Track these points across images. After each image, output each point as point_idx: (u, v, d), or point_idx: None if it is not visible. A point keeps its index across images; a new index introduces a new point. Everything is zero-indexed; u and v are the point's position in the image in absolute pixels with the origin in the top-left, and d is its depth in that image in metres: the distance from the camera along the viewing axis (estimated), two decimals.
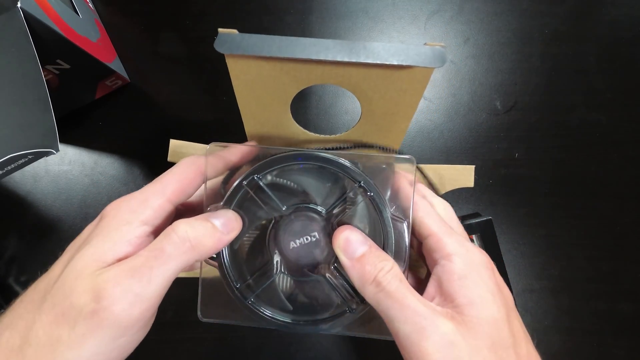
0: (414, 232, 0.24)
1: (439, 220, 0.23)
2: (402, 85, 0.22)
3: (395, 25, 0.44)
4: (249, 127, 0.27)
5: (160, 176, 0.23)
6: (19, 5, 0.26)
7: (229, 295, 0.24)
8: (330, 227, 0.24)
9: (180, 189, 0.23)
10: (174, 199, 0.23)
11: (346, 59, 0.20)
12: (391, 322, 0.20)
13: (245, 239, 0.25)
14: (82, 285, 0.18)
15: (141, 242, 0.21)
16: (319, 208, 0.24)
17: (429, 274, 0.23)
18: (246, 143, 0.27)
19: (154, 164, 0.41)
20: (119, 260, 0.20)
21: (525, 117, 0.42)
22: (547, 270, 0.40)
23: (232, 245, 0.24)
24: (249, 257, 0.25)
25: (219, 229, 0.22)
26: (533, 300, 0.39)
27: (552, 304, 0.39)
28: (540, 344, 0.22)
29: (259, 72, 0.22)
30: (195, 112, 0.42)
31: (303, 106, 0.42)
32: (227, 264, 0.24)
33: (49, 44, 0.30)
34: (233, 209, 0.24)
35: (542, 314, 0.39)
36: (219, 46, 0.21)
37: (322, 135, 0.27)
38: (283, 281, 0.25)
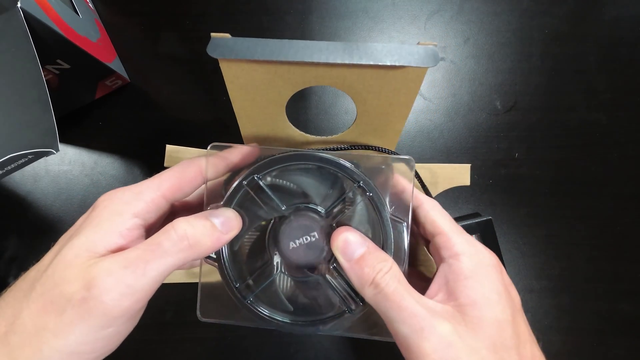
0: (423, 230, 0.24)
1: (448, 219, 0.24)
2: (396, 85, 0.22)
3: (395, 25, 0.44)
4: (245, 129, 0.27)
5: (160, 173, 0.24)
6: (19, 5, 0.26)
7: (229, 295, 0.24)
8: (330, 227, 0.24)
9: (176, 186, 0.23)
10: (169, 196, 0.23)
11: (339, 61, 0.20)
12: (390, 322, 0.20)
13: (245, 239, 0.25)
14: (72, 274, 0.18)
15: (132, 235, 0.21)
16: (319, 208, 0.24)
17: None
18: (247, 144, 0.27)
19: (154, 164, 0.41)
20: (110, 251, 0.20)
21: (525, 117, 0.42)
22: (547, 270, 0.40)
23: (232, 245, 0.24)
24: (248, 257, 0.25)
25: (217, 228, 0.22)
26: (533, 300, 0.39)
27: (552, 304, 0.39)
28: (540, 344, 0.22)
29: (253, 76, 0.22)
30: (195, 112, 0.42)
31: (303, 106, 0.42)
32: (226, 264, 0.24)
33: (49, 44, 0.30)
34: (233, 209, 0.24)
35: (542, 314, 0.39)
36: (211, 51, 0.21)
37: (318, 137, 0.27)
38: (283, 281, 0.25)
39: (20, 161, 0.27)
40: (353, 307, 0.24)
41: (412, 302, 0.20)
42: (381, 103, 0.24)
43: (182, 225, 0.20)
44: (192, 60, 0.43)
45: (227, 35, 0.21)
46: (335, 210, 0.24)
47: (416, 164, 0.28)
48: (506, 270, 0.23)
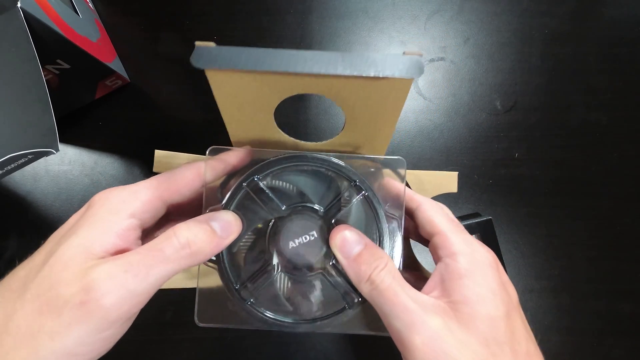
0: (422, 231, 0.25)
1: (446, 218, 0.24)
2: (383, 93, 0.22)
3: (395, 25, 0.44)
4: (234, 136, 0.28)
5: (157, 175, 0.24)
6: (19, 5, 0.26)
7: (227, 299, 0.24)
8: (328, 226, 0.24)
9: (174, 188, 0.23)
10: (166, 197, 0.23)
11: (323, 71, 0.20)
12: (385, 317, 0.21)
13: (244, 240, 0.25)
14: (69, 276, 0.18)
15: (129, 235, 0.21)
16: (317, 206, 0.25)
17: None
18: (244, 147, 0.27)
19: (153, 164, 0.41)
20: (107, 251, 0.20)
21: (525, 117, 0.42)
22: (547, 270, 0.40)
23: (232, 247, 0.24)
24: (248, 258, 0.25)
25: (217, 234, 0.22)
26: (533, 300, 0.39)
27: (552, 304, 0.39)
28: (540, 344, 0.22)
29: (240, 84, 0.22)
30: (195, 112, 0.42)
31: (303, 106, 0.42)
32: (226, 266, 0.24)
33: (49, 44, 0.30)
34: (233, 210, 0.24)
35: (542, 314, 0.39)
36: (195, 61, 0.20)
37: (308, 142, 0.28)
38: (282, 281, 0.25)
39: (20, 161, 0.27)
40: (352, 303, 0.24)
41: (405, 298, 0.20)
42: (369, 111, 0.24)
43: (184, 232, 0.20)
44: None
45: (212, 43, 0.21)
46: (333, 209, 0.25)
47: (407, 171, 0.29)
48: (506, 270, 0.23)
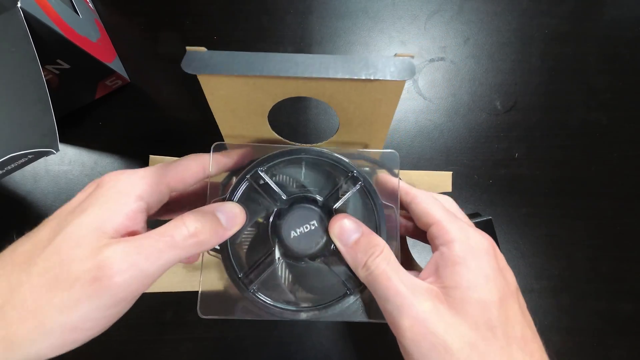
0: (419, 222, 0.25)
1: (442, 208, 0.24)
2: (376, 95, 0.22)
3: (395, 25, 0.44)
4: (228, 139, 0.28)
5: (164, 163, 0.24)
6: (19, 5, 0.26)
7: (229, 291, 0.25)
8: (328, 215, 0.25)
9: (180, 177, 0.24)
10: (172, 184, 0.24)
11: (315, 75, 0.20)
12: (379, 301, 0.22)
13: (247, 230, 0.26)
14: (83, 253, 0.19)
15: (137, 218, 0.21)
16: (317, 197, 0.26)
17: None
18: (247, 144, 0.28)
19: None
20: (117, 231, 0.20)
21: (525, 117, 0.42)
22: (547, 270, 0.40)
23: (235, 237, 0.25)
24: (251, 247, 0.26)
25: (222, 226, 0.23)
26: (533, 300, 0.39)
27: (552, 304, 0.39)
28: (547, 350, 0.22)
29: (232, 88, 0.22)
30: (194, 112, 0.42)
31: (303, 106, 0.42)
32: (230, 255, 0.25)
33: (49, 44, 0.30)
34: (237, 202, 0.25)
35: (542, 314, 0.39)
36: (186, 66, 0.21)
37: (303, 145, 0.28)
38: (284, 270, 0.26)
39: (20, 161, 0.27)
40: (352, 289, 0.25)
41: (397, 282, 0.21)
42: (363, 113, 0.24)
43: (193, 222, 0.21)
44: None
45: (203, 48, 0.21)
46: (332, 199, 0.26)
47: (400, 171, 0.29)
48: None
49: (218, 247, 0.25)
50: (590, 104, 0.43)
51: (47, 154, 0.26)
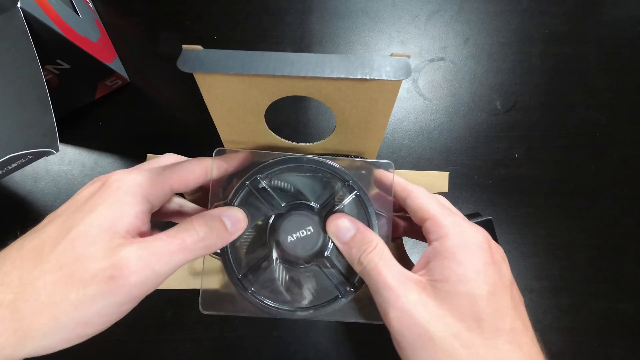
0: (415, 218, 0.26)
1: (437, 203, 0.25)
2: (372, 95, 0.22)
3: (395, 25, 0.44)
4: (225, 138, 0.28)
5: (168, 164, 0.25)
6: (19, 5, 0.26)
7: (229, 289, 0.26)
8: (323, 221, 0.26)
9: (184, 179, 0.25)
10: (175, 186, 0.24)
11: (310, 74, 0.20)
12: (373, 294, 0.23)
13: (247, 234, 0.27)
14: (99, 252, 0.19)
15: (143, 217, 0.22)
16: (313, 204, 0.27)
17: None
18: (246, 150, 0.29)
19: None
20: (128, 232, 0.21)
21: (525, 117, 0.42)
22: (547, 270, 0.40)
23: (235, 240, 0.26)
24: (250, 250, 0.27)
25: (228, 230, 0.23)
26: (533, 300, 0.39)
27: (552, 304, 0.39)
28: (540, 343, 0.22)
29: (229, 87, 0.22)
30: (194, 112, 0.42)
31: (303, 106, 0.42)
32: (230, 257, 0.26)
33: (49, 44, 0.30)
34: (237, 207, 0.26)
35: (542, 314, 0.39)
36: (182, 65, 0.21)
37: (300, 144, 0.28)
38: (281, 272, 0.27)
39: (20, 161, 0.27)
40: (345, 291, 0.26)
41: (386, 275, 0.22)
42: (359, 112, 0.24)
43: (203, 227, 0.22)
44: None
45: (199, 47, 0.21)
46: (328, 206, 0.27)
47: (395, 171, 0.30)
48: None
49: (219, 250, 0.26)
50: (590, 104, 0.43)
51: (47, 154, 0.26)
